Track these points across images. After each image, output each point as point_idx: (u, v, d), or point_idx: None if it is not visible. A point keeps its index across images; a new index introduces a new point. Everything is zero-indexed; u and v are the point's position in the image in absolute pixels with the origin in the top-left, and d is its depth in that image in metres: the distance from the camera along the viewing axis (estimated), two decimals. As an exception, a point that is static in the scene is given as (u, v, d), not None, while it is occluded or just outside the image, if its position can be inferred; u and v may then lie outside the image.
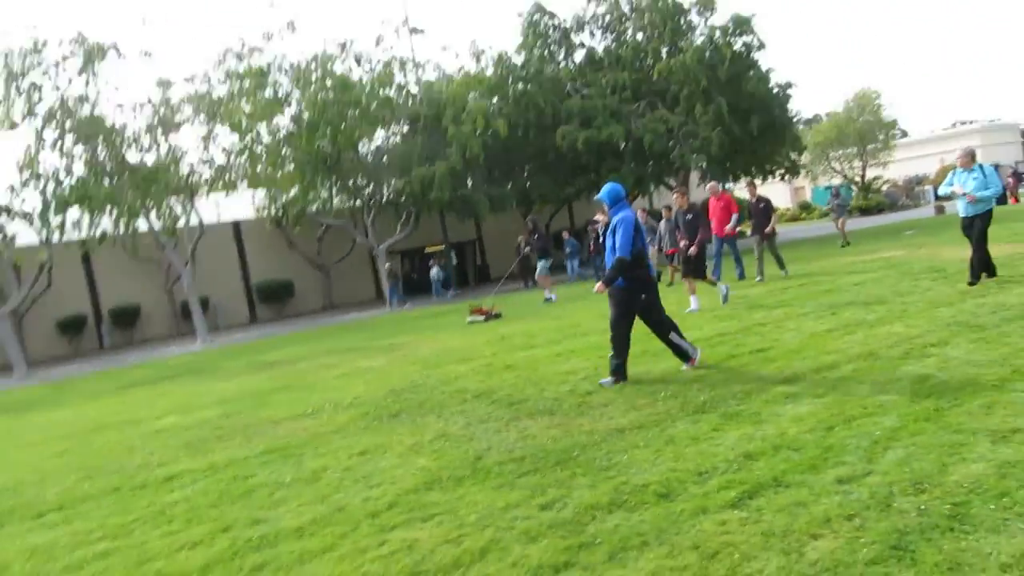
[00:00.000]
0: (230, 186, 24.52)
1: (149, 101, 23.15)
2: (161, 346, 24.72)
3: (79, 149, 22.37)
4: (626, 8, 28.15)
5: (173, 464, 5.85)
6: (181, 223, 24.27)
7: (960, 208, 9.53)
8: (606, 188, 7.03)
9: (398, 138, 26.51)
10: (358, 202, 28.27)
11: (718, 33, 25.20)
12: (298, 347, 15.06)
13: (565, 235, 24.60)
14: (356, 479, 4.67)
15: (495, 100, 25.41)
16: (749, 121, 24.59)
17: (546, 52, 27.57)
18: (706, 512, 3.37)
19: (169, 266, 29.64)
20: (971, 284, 9.06)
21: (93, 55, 21.89)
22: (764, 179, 27.86)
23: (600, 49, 28.61)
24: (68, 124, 21.77)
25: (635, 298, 6.64)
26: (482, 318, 14.20)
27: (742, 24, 24.88)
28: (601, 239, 16.73)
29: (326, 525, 3.92)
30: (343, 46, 24.78)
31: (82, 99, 21.82)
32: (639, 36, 28.00)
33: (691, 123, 24.53)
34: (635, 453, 4.35)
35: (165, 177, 22.35)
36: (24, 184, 21.55)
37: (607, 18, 28.24)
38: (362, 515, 3.99)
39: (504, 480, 4.18)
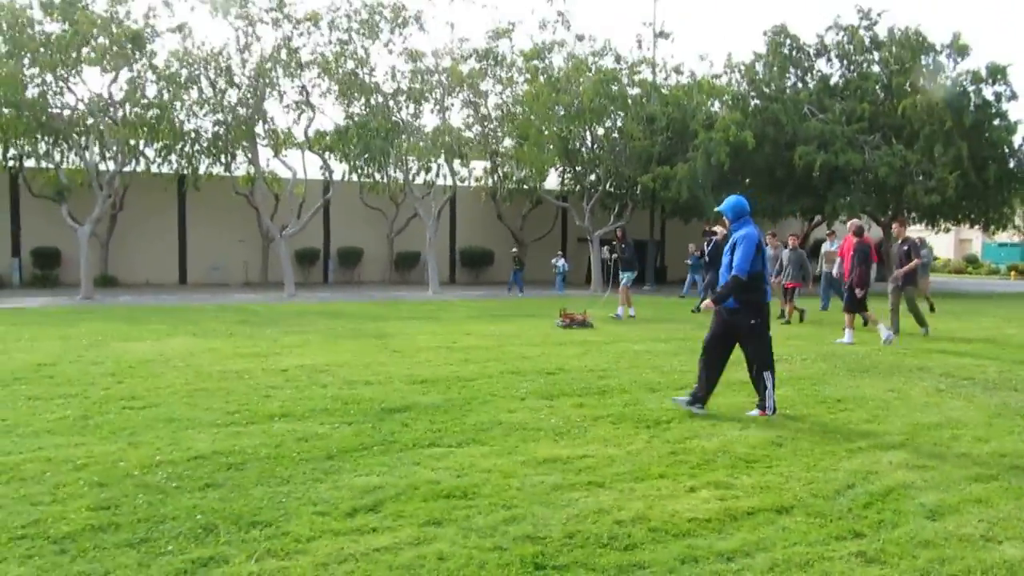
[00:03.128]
0: (486, 154, 26.88)
1: (437, 67, 25.60)
2: (389, 289, 27.18)
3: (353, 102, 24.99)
4: (867, 38, 28.97)
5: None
6: (439, 180, 26.85)
7: None
8: (730, 200, 6.71)
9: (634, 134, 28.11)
10: (577, 187, 30.35)
11: (969, 78, 25.80)
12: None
13: (691, 248, 24.24)
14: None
15: (736, 112, 26.77)
16: (986, 169, 25.19)
17: (787, 73, 28.76)
18: None
19: (395, 217, 32.56)
20: None
21: (397, 22, 24.60)
22: (988, 229, 28.26)
23: (835, 76, 29.60)
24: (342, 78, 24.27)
25: (743, 323, 6.44)
26: (567, 323, 13.23)
27: (996, 73, 25.42)
28: (704, 255, 16.68)
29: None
30: (607, 43, 26.74)
31: (357, 59, 24.31)
32: (875, 68, 28.86)
33: (927, 163, 25.31)
34: None
35: (438, 136, 24.88)
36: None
37: (848, 47, 29.15)
38: None
39: None
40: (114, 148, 23.35)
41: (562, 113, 24.97)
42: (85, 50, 21.64)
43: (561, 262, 27.08)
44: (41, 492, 4.38)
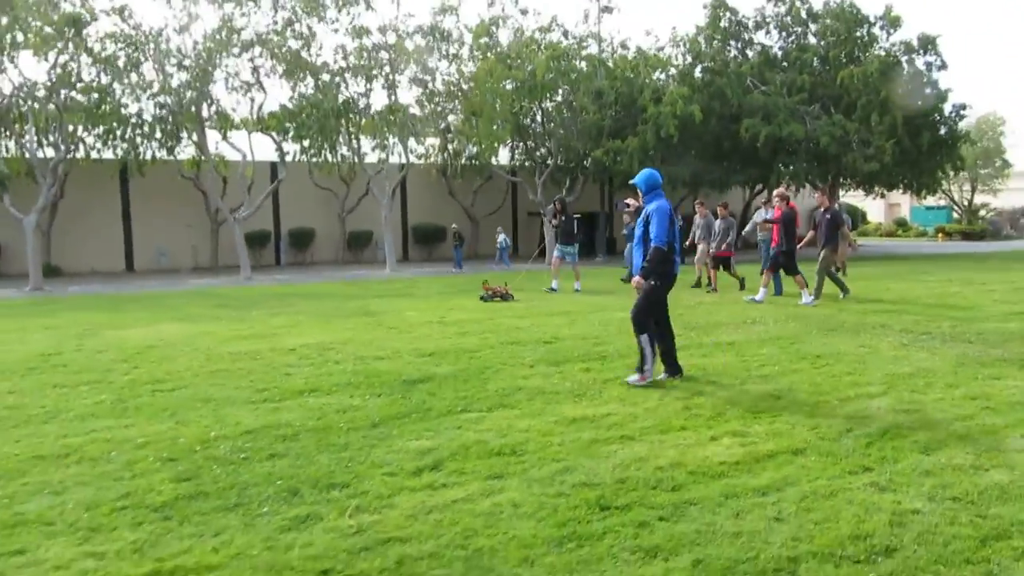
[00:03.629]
0: (436, 131, 27.01)
1: (372, 46, 25.53)
2: (344, 269, 27.22)
3: (299, 82, 24.83)
4: (803, 11, 29.97)
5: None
6: (394, 158, 26.90)
7: None
8: (643, 174, 6.78)
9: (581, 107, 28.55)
10: (527, 162, 30.78)
11: (902, 48, 26.99)
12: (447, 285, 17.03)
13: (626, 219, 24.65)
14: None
15: (679, 85, 27.47)
16: (920, 135, 26.48)
17: (727, 45, 29.57)
18: None
19: (346, 196, 32.46)
20: None
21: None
22: (921, 193, 29.72)
23: (774, 48, 30.56)
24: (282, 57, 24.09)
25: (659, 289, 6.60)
26: (489, 294, 13.46)
27: (927, 43, 26.67)
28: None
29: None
30: (553, 19, 27.10)
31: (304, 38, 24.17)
32: (812, 40, 29.91)
33: (864, 131, 26.47)
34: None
35: (390, 114, 24.94)
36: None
37: (786, 19, 30.10)
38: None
39: None
40: (55, 135, 22.77)
41: (513, 88, 25.21)
42: (20, 36, 21.02)
43: (502, 237, 27.31)
44: (117, 469, 4.63)
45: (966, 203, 50.72)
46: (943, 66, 27.02)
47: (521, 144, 29.74)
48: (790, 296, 13.24)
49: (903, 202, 61.10)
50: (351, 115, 25.42)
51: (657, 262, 6.48)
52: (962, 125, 27.89)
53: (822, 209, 13.30)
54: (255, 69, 24.43)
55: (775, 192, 14.28)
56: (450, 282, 19.40)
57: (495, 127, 25.01)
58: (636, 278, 6.70)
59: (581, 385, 6.68)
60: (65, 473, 4.57)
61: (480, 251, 34.51)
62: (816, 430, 5.31)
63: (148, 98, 24.27)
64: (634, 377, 6.57)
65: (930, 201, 52.85)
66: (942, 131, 27.43)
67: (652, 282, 6.53)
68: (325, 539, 3.64)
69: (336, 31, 25.13)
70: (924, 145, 26.57)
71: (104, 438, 5.23)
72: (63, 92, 22.37)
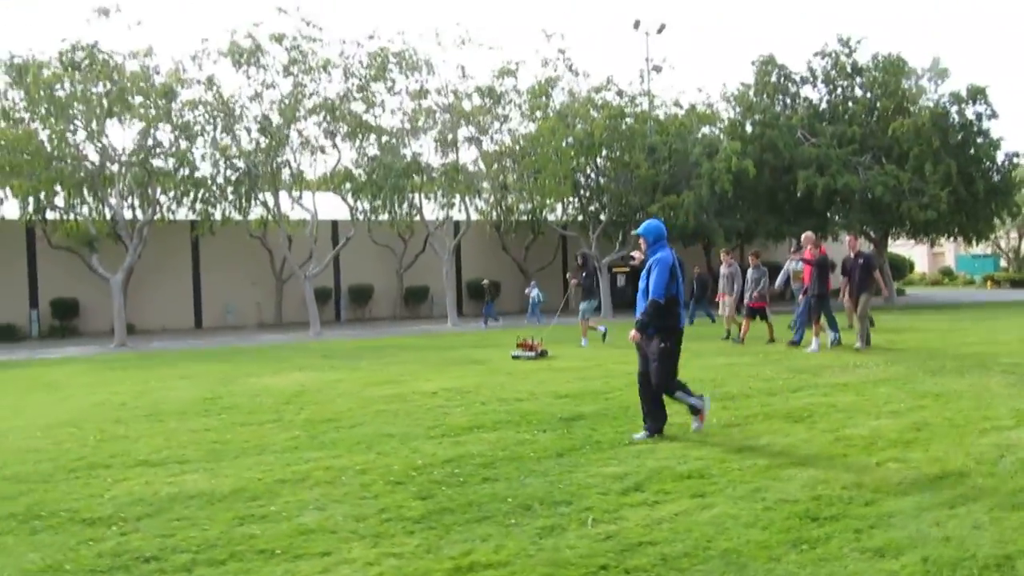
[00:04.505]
0: (495, 188, 27.95)
1: (436, 108, 26.71)
2: (405, 324, 27.91)
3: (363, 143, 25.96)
4: (848, 65, 30.71)
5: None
6: (442, 216, 27.89)
7: None
8: (649, 224, 6.70)
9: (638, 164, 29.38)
10: (580, 217, 31.56)
11: (949, 99, 27.57)
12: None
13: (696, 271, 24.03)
14: None
15: (732, 139, 28.19)
16: (974, 184, 26.86)
17: (776, 100, 30.37)
18: None
19: (403, 253, 33.44)
20: None
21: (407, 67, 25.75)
22: (979, 240, 29.94)
23: (820, 102, 31.28)
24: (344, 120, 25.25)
25: (653, 346, 6.49)
26: (531, 354, 12.85)
27: (976, 93, 27.22)
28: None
29: None
30: (609, 79, 28.13)
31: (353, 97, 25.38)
32: (858, 92, 30.61)
33: (918, 180, 26.92)
34: None
35: (453, 173, 25.98)
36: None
37: (832, 72, 30.86)
38: None
39: None
40: (139, 198, 24.09)
41: (572, 145, 26.09)
42: (116, 106, 22.46)
43: (535, 292, 27.25)
44: (355, 491, 5.22)
45: (1013, 250, 50.52)
46: (993, 115, 27.52)
47: (575, 199, 30.53)
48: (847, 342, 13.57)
49: (948, 250, 60.95)
50: (417, 174, 26.47)
51: (653, 315, 6.34)
52: (1016, 173, 28.20)
53: (853, 255, 13.22)
54: (328, 132, 25.61)
55: (804, 236, 14.27)
56: (522, 334, 19.95)
57: (558, 183, 25.85)
58: (633, 332, 6.55)
59: (727, 421, 7.18)
60: (312, 494, 5.16)
61: (545, 307, 35.15)
62: (968, 457, 5.75)
63: (223, 161, 25.47)
64: (696, 424, 6.66)
65: (976, 249, 52.85)
66: (995, 178, 27.77)
67: (663, 345, 6.39)
68: (583, 543, 4.17)
69: (398, 93, 26.27)
70: (979, 193, 26.93)
71: (324, 466, 5.83)
72: (144, 156, 23.71)
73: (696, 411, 6.63)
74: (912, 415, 7.26)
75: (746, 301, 14.79)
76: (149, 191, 24.08)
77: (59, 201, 23.69)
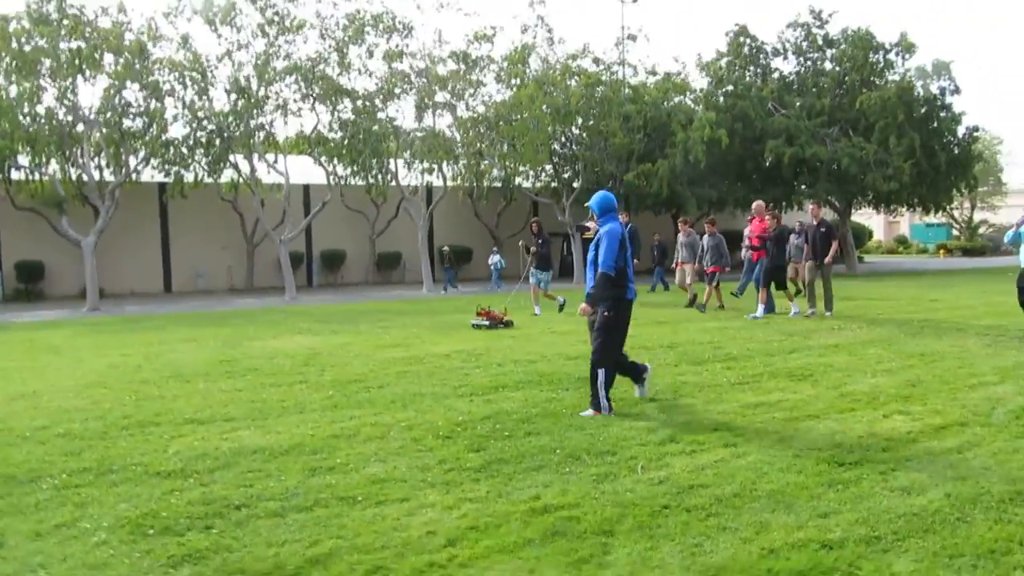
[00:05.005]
0: (470, 154, 28.02)
1: (411, 72, 26.56)
2: (380, 289, 28.05)
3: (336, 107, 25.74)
4: (819, 37, 31.27)
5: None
6: (417, 181, 27.95)
7: (1022, 259, 9.20)
8: (598, 196, 6.62)
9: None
10: (553, 184, 31.84)
11: (916, 73, 28.36)
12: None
13: (656, 238, 24.70)
14: None
15: (707, 110, 28.62)
16: (936, 156, 27.76)
17: (747, 71, 30.84)
18: None
19: (376, 218, 33.43)
20: None
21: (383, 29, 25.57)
22: (938, 211, 30.97)
23: (790, 74, 31.86)
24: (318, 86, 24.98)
25: (597, 314, 6.35)
26: (486, 323, 12.31)
27: (941, 69, 28.04)
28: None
29: None
30: (585, 46, 28.30)
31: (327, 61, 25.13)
32: (827, 65, 31.25)
33: (883, 152, 27.72)
34: None
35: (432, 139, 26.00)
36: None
37: (803, 44, 31.41)
38: None
39: None
40: (110, 158, 23.70)
41: (549, 113, 26.26)
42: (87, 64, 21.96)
43: (496, 258, 27.19)
44: (407, 445, 5.54)
45: (965, 220, 52.19)
46: (956, 90, 28.39)
47: (550, 167, 30.76)
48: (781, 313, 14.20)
49: (902, 220, 62.65)
50: (395, 138, 26.42)
51: (603, 287, 6.22)
52: (974, 147, 29.19)
53: (815, 223, 13.31)
54: (304, 96, 25.36)
55: (755, 205, 14.50)
56: (503, 299, 20.29)
57: (536, 151, 26.06)
58: (583, 305, 6.48)
59: (742, 377, 7.67)
60: (369, 448, 5.47)
61: (508, 272, 35.37)
62: (964, 409, 6.28)
63: (195, 123, 25.00)
64: (588, 412, 6.27)
65: (931, 219, 54.44)
66: (956, 152, 28.71)
67: (607, 313, 6.23)
68: (639, 487, 4.56)
69: (371, 55, 26.02)
70: (941, 165, 27.85)
71: (370, 423, 6.13)
72: (117, 116, 23.26)
73: (598, 404, 6.24)
74: (904, 373, 7.79)
75: (706, 268, 14.99)
76: (121, 151, 23.67)
77: (23, 160, 23.15)
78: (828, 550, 3.63)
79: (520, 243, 19.80)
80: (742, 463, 4.98)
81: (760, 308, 13.31)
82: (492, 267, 27.20)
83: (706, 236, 15.20)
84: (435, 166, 26.95)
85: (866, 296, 17.57)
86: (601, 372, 6.22)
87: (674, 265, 16.70)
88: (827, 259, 12.90)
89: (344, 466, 5.04)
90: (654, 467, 4.94)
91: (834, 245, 13.03)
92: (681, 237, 16.13)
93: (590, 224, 6.74)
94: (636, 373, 6.74)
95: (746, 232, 14.49)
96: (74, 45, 21.61)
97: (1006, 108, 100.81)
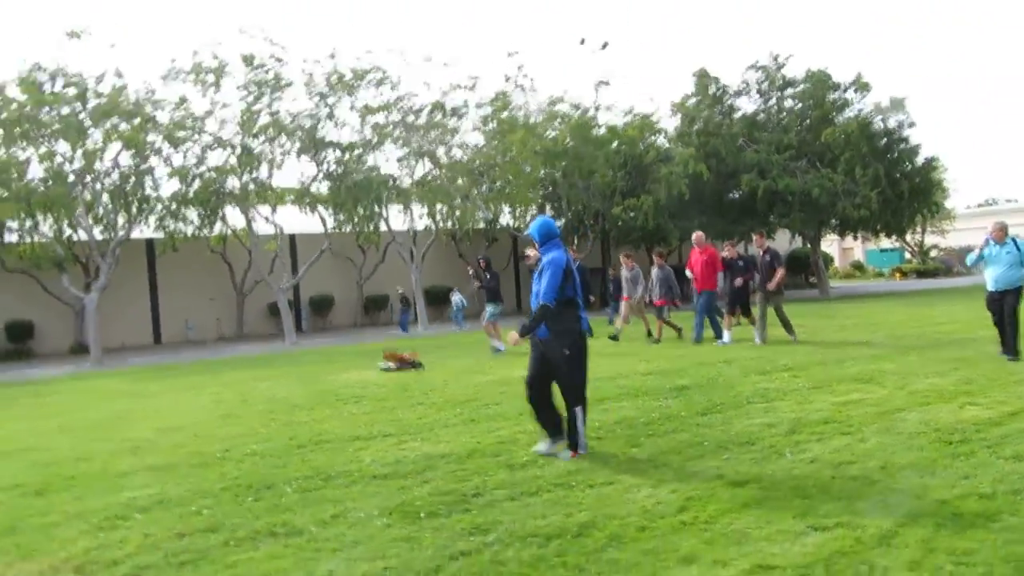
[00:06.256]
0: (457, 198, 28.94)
1: (402, 120, 27.50)
2: (371, 331, 28.57)
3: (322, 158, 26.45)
4: (779, 78, 33.22)
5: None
6: (411, 226, 28.79)
7: (989, 281, 9.71)
8: (537, 222, 6.16)
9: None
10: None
11: (873, 110, 30.41)
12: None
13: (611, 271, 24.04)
14: None
15: (686, 147, 30.07)
16: (899, 185, 29.69)
17: (715, 110, 32.59)
18: None
19: (363, 263, 34.10)
20: (1010, 359, 9.47)
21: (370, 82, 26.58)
22: (902, 236, 32.84)
23: (755, 112, 33.72)
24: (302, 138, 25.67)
25: (555, 353, 5.92)
26: (391, 365, 12.11)
27: (897, 104, 30.10)
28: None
29: None
30: (564, 92, 29.75)
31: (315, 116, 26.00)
32: (788, 103, 33.20)
33: (850, 183, 29.51)
34: None
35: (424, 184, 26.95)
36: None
37: (764, 85, 33.33)
38: None
39: None
40: (107, 218, 24.17)
41: (540, 154, 27.43)
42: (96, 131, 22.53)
43: (456, 297, 27.09)
44: (507, 455, 6.31)
45: (917, 244, 54.78)
46: (912, 124, 30.51)
47: (535, 205, 31.84)
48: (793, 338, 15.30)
49: (855, 246, 65.35)
50: (388, 187, 27.27)
51: (540, 321, 5.83)
52: (933, 175, 31.28)
53: (761, 252, 13.26)
54: (298, 151, 26.03)
55: (695, 236, 14.67)
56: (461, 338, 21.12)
57: (528, 191, 27.20)
58: (513, 335, 6.10)
59: (812, 383, 8.63)
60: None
61: (481, 309, 36.10)
62: (1021, 400, 7.28)
63: (188, 180, 25.20)
64: (567, 454, 5.94)
65: (884, 244, 56.99)
66: (917, 180, 30.68)
67: (567, 352, 5.86)
68: (798, 466, 5.43)
69: (359, 110, 26.84)
70: (904, 193, 29.75)
71: (520, 432, 6.91)
72: (127, 176, 23.74)
73: (573, 444, 5.95)
74: (953, 375, 8.83)
75: (654, 300, 14.70)
76: (129, 210, 24.10)
77: (14, 224, 23.31)
78: (987, 499, 4.52)
79: (470, 271, 20.23)
80: (868, 445, 5.88)
81: (726, 334, 13.50)
82: (454, 306, 27.28)
83: (655, 268, 14.92)
84: (431, 210, 27.85)
85: (863, 316, 18.77)
86: (579, 411, 5.93)
87: (621, 299, 15.88)
88: (770, 285, 12.80)
89: (532, 463, 5.80)
90: (796, 452, 5.81)
91: (779, 272, 12.87)
92: (624, 272, 15.32)
93: (531, 252, 6.38)
94: (555, 426, 6.03)
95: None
96: (71, 109, 22.09)
97: (942, 136, 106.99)
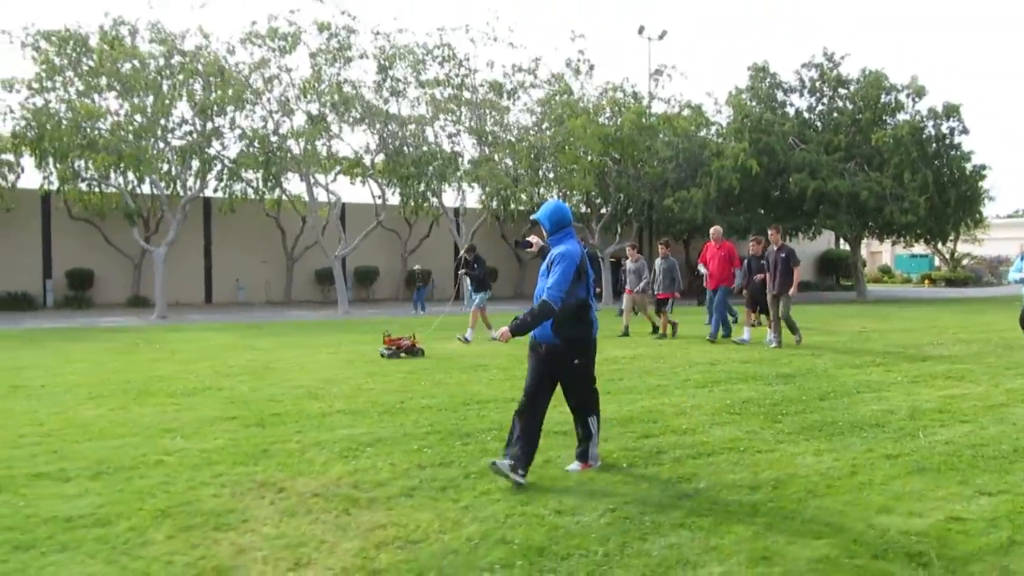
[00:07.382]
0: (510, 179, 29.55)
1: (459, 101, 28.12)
2: (407, 306, 29.29)
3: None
4: (834, 80, 33.50)
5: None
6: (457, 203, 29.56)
7: None
8: (548, 208, 5.28)
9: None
10: (584, 209, 33.51)
11: (928, 114, 30.77)
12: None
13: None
14: None
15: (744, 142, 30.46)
16: (946, 192, 30.06)
17: (768, 106, 32.94)
18: None
19: (408, 237, 34.84)
20: None
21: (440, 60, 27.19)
22: (944, 242, 33.25)
23: (807, 110, 34.07)
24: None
25: (563, 362, 5.12)
26: (386, 351, 11.51)
27: (951, 111, 30.39)
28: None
29: None
30: (624, 79, 30.18)
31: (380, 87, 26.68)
32: (839, 103, 33.52)
33: (898, 187, 29.90)
34: None
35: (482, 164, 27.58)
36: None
37: (818, 83, 33.63)
38: None
39: None
40: (192, 174, 24.91)
41: (600, 141, 27.94)
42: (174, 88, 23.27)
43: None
44: (712, 419, 7.01)
45: (949, 252, 54.95)
46: (965, 131, 30.77)
47: (584, 192, 32.32)
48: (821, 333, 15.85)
49: (883, 249, 65.52)
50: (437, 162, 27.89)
51: (541, 319, 4.92)
52: (980, 184, 31.60)
53: (775, 248, 12.62)
54: (357, 119, 26.63)
55: (712, 230, 14.40)
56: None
57: (583, 176, 27.78)
58: (503, 330, 5.07)
59: (908, 377, 9.28)
60: (683, 421, 6.95)
61: (526, 291, 36.82)
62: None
63: (257, 142, 25.85)
64: (574, 465, 5.40)
65: (916, 249, 57.19)
66: (964, 189, 31.04)
67: (577, 362, 5.12)
68: (934, 445, 6.07)
69: (426, 85, 27.47)
70: (951, 201, 30.12)
71: (663, 403, 7.61)
72: (208, 135, 24.52)
73: (585, 456, 5.41)
74: (1007, 383, 9.23)
75: (656, 293, 14.50)
76: (204, 168, 24.86)
77: (88, 173, 24.07)
78: None
79: (461, 256, 20.45)
80: (990, 432, 6.53)
81: (745, 331, 13.45)
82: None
83: (658, 260, 14.57)
84: (492, 190, 28.43)
85: (919, 320, 19.23)
86: (593, 420, 5.35)
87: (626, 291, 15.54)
88: (790, 291, 12.28)
89: (691, 431, 6.51)
90: (927, 435, 6.47)
91: (796, 273, 12.23)
92: (628, 264, 15.04)
93: (533, 239, 5.60)
94: (528, 454, 5.05)
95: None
96: (157, 64, 22.86)
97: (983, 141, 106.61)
